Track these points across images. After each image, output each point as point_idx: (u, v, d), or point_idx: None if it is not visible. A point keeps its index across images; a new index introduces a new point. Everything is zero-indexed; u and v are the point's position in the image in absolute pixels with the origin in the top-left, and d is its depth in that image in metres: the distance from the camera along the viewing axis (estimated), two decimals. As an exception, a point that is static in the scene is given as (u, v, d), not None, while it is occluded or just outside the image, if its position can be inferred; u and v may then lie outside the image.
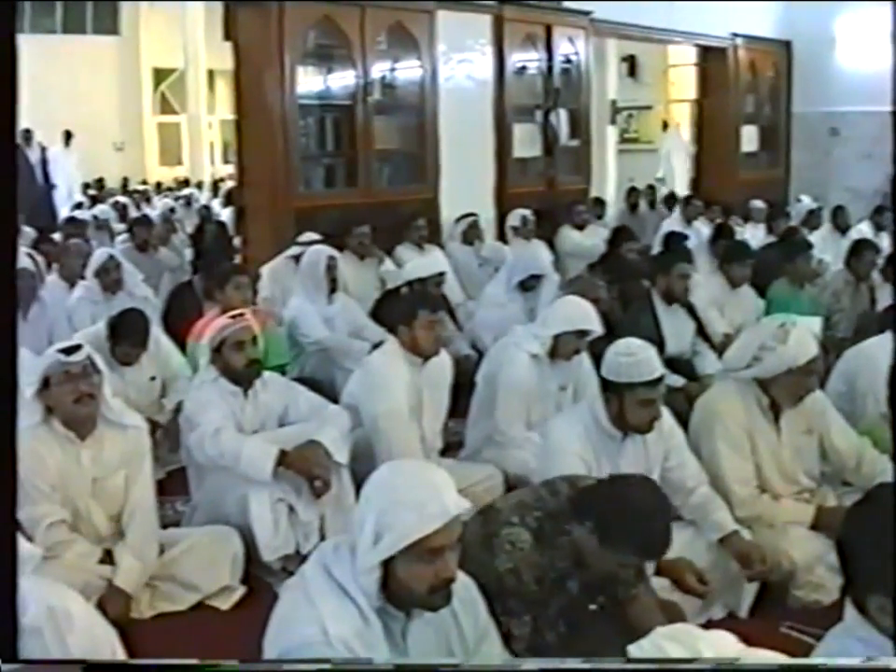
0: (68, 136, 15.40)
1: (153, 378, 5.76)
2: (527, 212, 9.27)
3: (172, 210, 11.83)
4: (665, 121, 16.14)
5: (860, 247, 7.60)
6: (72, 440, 4.04)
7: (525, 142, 10.00)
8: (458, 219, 8.89)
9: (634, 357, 3.85)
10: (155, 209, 13.23)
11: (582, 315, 5.03)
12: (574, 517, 3.00)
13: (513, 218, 9.25)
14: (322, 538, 4.25)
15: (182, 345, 6.07)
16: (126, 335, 5.53)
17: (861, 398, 5.07)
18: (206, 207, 13.46)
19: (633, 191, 12.77)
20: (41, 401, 3.97)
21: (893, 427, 4.39)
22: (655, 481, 3.33)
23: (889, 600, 1.91)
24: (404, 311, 4.93)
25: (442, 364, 5.08)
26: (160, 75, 20.96)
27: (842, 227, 10.44)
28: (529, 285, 6.83)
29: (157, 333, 5.92)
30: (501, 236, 9.41)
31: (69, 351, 3.97)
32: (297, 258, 7.11)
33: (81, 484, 4.05)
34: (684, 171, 14.46)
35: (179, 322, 6.56)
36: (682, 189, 13.54)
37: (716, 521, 4.04)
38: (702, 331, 6.30)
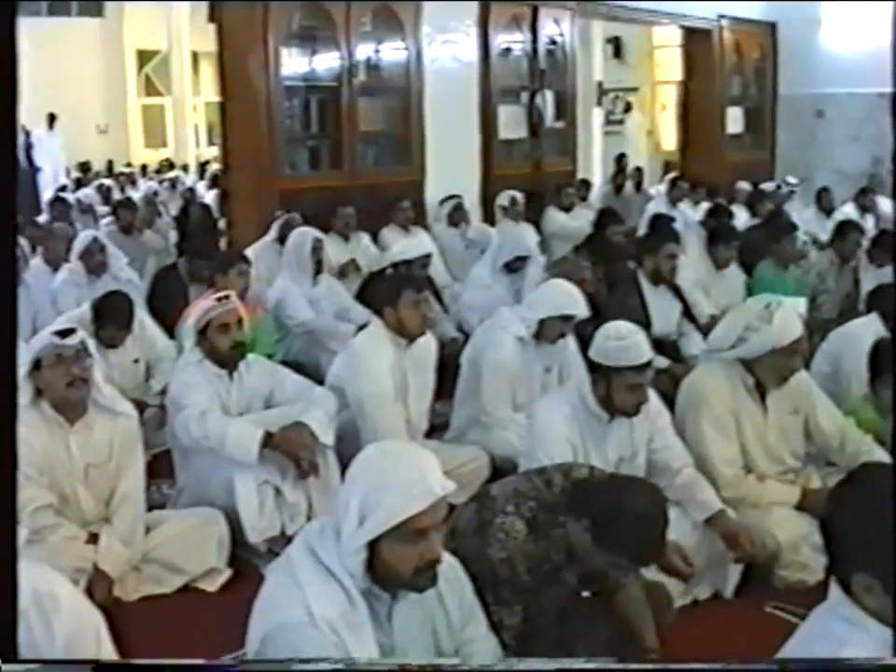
0: (52, 119, 15.32)
1: (137, 360, 5.76)
2: (517, 193, 9.27)
3: (155, 193, 11.78)
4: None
5: (845, 229, 7.62)
6: (61, 423, 4.03)
7: (511, 124, 9.98)
8: (443, 201, 8.88)
9: (623, 342, 3.84)
10: (139, 192, 13.18)
11: (569, 299, 5.03)
12: (570, 512, 2.99)
13: (502, 198, 9.25)
14: (308, 519, 4.24)
15: (167, 328, 6.06)
16: (110, 318, 5.52)
17: (846, 378, 5.10)
18: (191, 190, 13.42)
19: (619, 173, 12.77)
20: (31, 384, 3.96)
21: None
22: (657, 486, 3.32)
23: (875, 580, 1.91)
24: (389, 291, 4.93)
25: (428, 345, 5.08)
26: (143, 57, 20.82)
27: (826, 208, 10.47)
28: (515, 266, 6.83)
29: (141, 316, 5.92)
30: (487, 218, 9.41)
31: (63, 334, 3.95)
32: (281, 240, 7.15)
33: (70, 469, 4.04)
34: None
35: (164, 305, 6.55)
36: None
37: (702, 501, 4.04)
38: (688, 313, 6.31)
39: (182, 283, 6.82)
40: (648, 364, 3.87)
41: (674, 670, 1.96)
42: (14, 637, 2.15)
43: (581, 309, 5.02)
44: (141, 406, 5.21)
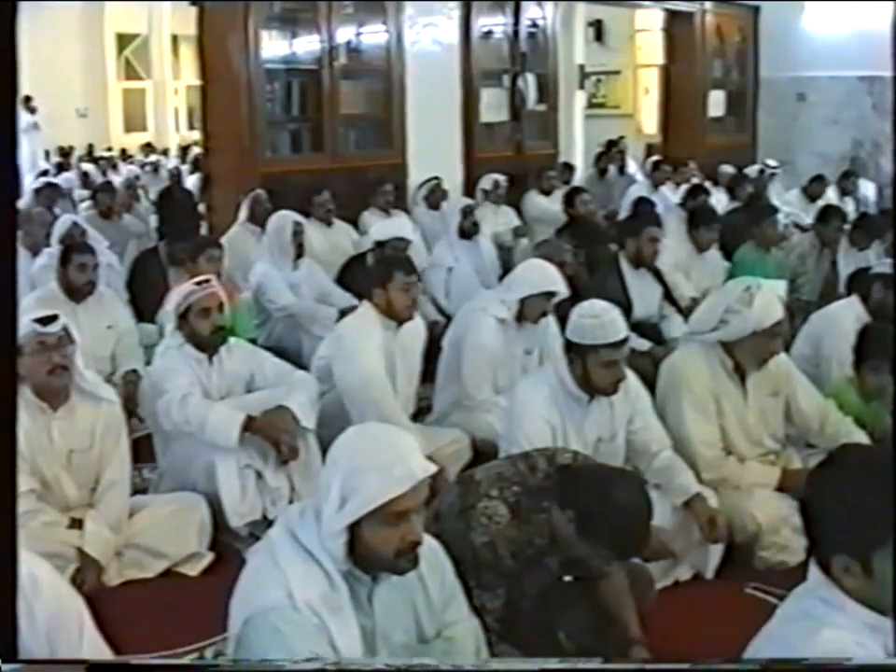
0: (28, 102, 15.20)
1: (110, 327, 5.75)
2: (500, 176, 9.26)
3: (136, 178, 11.74)
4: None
5: (827, 213, 7.66)
6: (43, 409, 4.02)
7: (493, 107, 9.97)
8: (421, 185, 8.88)
9: (598, 320, 3.85)
10: (120, 175, 13.11)
11: (547, 277, 5.03)
12: (554, 498, 2.99)
13: (485, 182, 9.25)
14: (290, 503, 4.24)
15: (149, 311, 6.07)
16: (77, 248, 5.68)
17: (826, 361, 5.12)
18: (178, 171, 13.37)
19: (602, 156, 12.77)
20: (11, 370, 3.94)
21: None
22: (643, 479, 3.32)
23: (854, 561, 1.92)
24: (380, 273, 4.93)
25: (416, 328, 5.09)
26: (123, 40, 20.66)
27: (814, 196, 10.47)
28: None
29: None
30: (468, 201, 9.39)
31: (45, 321, 3.93)
32: (254, 220, 7.31)
33: (52, 455, 4.04)
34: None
35: (144, 289, 6.57)
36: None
37: (679, 485, 4.06)
38: (669, 295, 6.31)
39: (161, 267, 6.83)
40: (623, 341, 3.89)
41: (674, 670, 1.95)
42: (14, 637, 2.15)
43: (560, 286, 5.01)
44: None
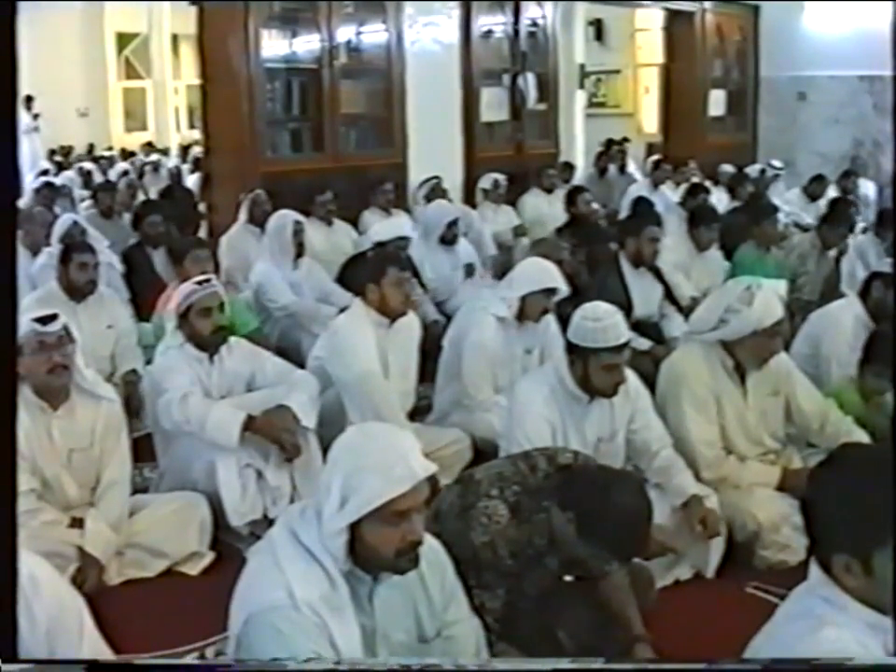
0: (28, 101, 15.20)
1: (110, 326, 5.76)
2: (500, 175, 9.28)
3: (125, 173, 11.74)
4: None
5: (832, 216, 7.65)
6: (43, 409, 4.02)
7: (493, 106, 9.98)
8: (421, 184, 8.88)
9: (600, 323, 3.84)
10: (114, 170, 13.14)
11: (547, 274, 5.02)
12: (555, 501, 2.99)
13: (484, 181, 9.26)
14: (291, 503, 4.24)
15: (144, 305, 6.11)
16: (78, 247, 5.71)
17: (825, 360, 5.12)
18: (177, 168, 13.38)
19: (601, 156, 12.77)
20: (11, 369, 3.94)
21: None
22: (643, 481, 3.32)
23: (855, 560, 1.92)
24: (373, 268, 4.93)
25: (410, 325, 5.08)
26: (123, 39, 20.65)
27: (814, 195, 10.47)
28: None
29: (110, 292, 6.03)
30: (468, 200, 9.40)
31: (44, 321, 3.93)
32: (253, 220, 7.33)
33: (53, 454, 4.04)
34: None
35: (138, 281, 6.72)
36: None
37: (677, 485, 4.06)
38: (669, 295, 6.31)
39: (147, 256, 6.97)
40: (625, 345, 3.88)
41: (672, 670, 1.95)
42: (14, 637, 2.15)
43: (561, 282, 5.01)
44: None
